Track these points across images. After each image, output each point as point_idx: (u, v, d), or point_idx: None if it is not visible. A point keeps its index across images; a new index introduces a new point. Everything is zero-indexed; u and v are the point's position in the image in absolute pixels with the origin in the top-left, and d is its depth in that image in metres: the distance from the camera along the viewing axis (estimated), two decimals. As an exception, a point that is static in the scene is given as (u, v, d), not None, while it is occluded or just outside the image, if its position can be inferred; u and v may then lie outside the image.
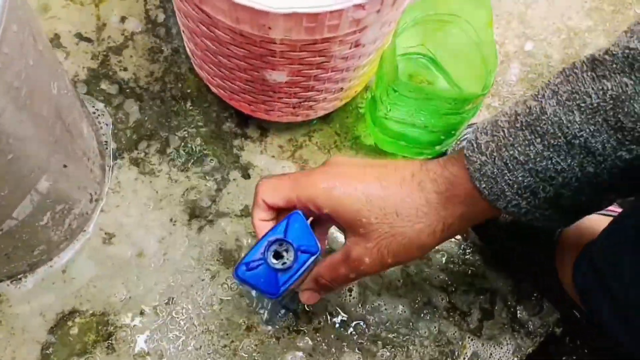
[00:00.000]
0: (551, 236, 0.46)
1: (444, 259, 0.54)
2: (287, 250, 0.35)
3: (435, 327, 0.52)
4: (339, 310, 0.52)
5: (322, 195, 0.34)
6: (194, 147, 0.55)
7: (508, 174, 0.30)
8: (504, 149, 0.30)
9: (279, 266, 0.35)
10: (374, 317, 0.52)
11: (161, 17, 0.59)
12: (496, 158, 0.31)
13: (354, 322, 0.51)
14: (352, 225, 0.34)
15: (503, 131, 0.31)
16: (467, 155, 0.32)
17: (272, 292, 0.36)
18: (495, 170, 0.31)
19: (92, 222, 0.52)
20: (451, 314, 0.53)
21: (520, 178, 0.30)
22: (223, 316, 0.51)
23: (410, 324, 0.52)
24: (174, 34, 0.59)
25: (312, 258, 0.35)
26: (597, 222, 0.44)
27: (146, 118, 0.56)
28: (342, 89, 0.50)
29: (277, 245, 0.35)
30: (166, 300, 0.51)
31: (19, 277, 0.50)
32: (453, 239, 0.55)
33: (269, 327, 0.50)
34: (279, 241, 0.35)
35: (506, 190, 0.31)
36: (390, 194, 0.34)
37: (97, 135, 0.52)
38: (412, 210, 0.33)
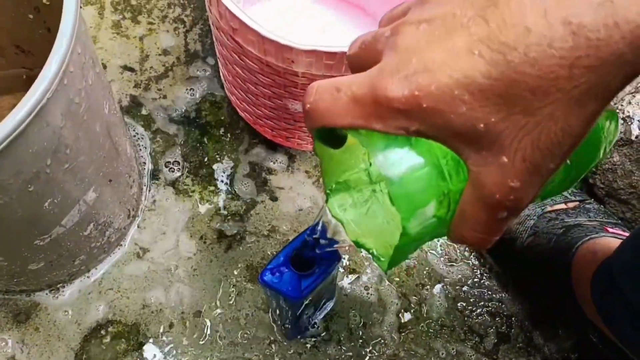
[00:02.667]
0: (567, 258, 0.48)
1: (460, 283, 0.56)
2: (309, 257, 0.38)
3: (453, 349, 0.53)
4: (360, 328, 0.53)
5: (405, 109, 0.21)
6: (225, 170, 0.59)
7: None
8: None
9: (302, 272, 0.38)
10: (392, 336, 0.53)
11: (199, 50, 0.64)
12: None
13: (374, 341, 0.53)
14: (465, 139, 0.21)
15: None
16: None
17: (294, 296, 0.38)
18: None
19: (129, 237, 0.55)
20: (468, 336, 0.54)
21: None
22: (248, 330, 0.53)
23: (428, 345, 0.53)
24: (210, 64, 0.63)
25: (334, 264, 0.38)
26: (610, 242, 0.46)
27: (182, 142, 0.60)
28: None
29: (301, 252, 0.38)
30: (194, 313, 0.53)
31: (58, 286, 0.53)
32: (469, 263, 0.57)
33: (291, 341, 0.52)
34: (302, 248, 0.38)
35: None
36: (509, 64, 0.19)
37: (137, 157, 0.56)
38: (560, 72, 0.19)
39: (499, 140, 0.21)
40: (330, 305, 0.53)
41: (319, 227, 0.37)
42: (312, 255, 0.38)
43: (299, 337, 0.52)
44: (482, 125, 0.20)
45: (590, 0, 0.19)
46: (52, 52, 0.33)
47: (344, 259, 0.56)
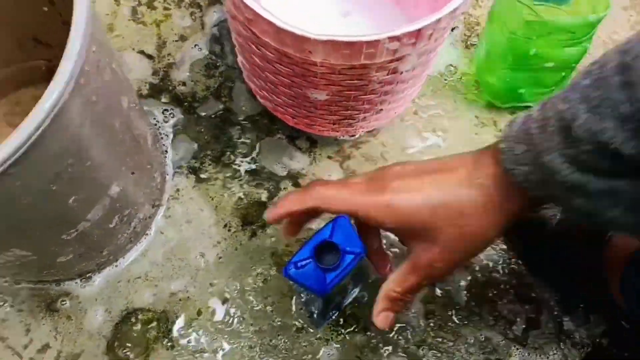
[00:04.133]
0: (599, 244, 0.46)
1: (489, 268, 0.55)
2: (333, 251, 0.39)
3: (481, 335, 0.53)
4: (385, 315, 0.53)
5: (385, 214, 0.36)
6: (247, 157, 0.58)
7: (553, 178, 0.31)
8: (542, 155, 0.31)
9: (326, 265, 0.39)
10: (420, 322, 0.53)
11: (217, 35, 0.63)
12: (535, 166, 0.31)
13: (400, 326, 0.53)
14: (418, 235, 0.36)
15: (535, 139, 0.31)
16: (507, 168, 0.33)
17: (320, 290, 0.39)
18: (539, 176, 0.31)
19: (154, 226, 0.56)
20: (498, 322, 0.53)
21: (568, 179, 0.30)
22: (275, 317, 0.53)
23: (456, 330, 0.53)
24: (228, 51, 0.62)
25: (357, 258, 0.39)
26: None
27: (202, 130, 0.59)
28: (381, 110, 0.52)
29: (324, 246, 0.39)
30: (222, 301, 0.54)
31: (88, 275, 0.54)
32: (497, 248, 0.56)
33: (318, 329, 0.52)
34: (325, 242, 0.39)
35: (557, 193, 0.31)
36: (452, 199, 0.35)
37: (158, 146, 0.56)
38: (477, 209, 0.34)
39: (438, 238, 0.35)
40: (357, 291, 0.53)
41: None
42: (336, 249, 0.40)
43: (325, 323, 0.53)
44: (430, 227, 0.35)
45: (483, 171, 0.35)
46: (64, 52, 0.33)
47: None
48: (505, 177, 0.33)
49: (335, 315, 0.53)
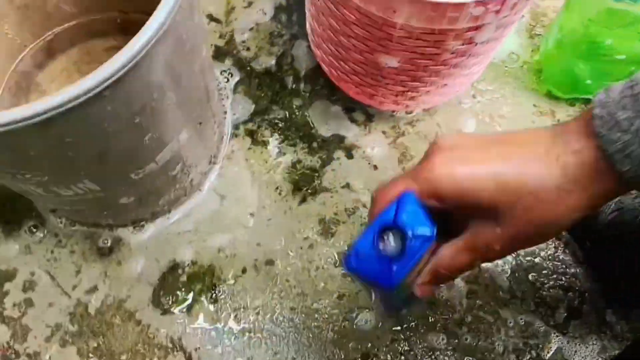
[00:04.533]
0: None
1: (534, 254, 0.55)
2: (400, 237, 0.32)
3: (521, 319, 0.53)
4: (428, 290, 0.54)
5: (446, 184, 0.31)
6: (303, 124, 0.59)
7: None
8: None
9: (391, 254, 0.32)
10: (461, 302, 0.53)
11: (283, 4, 0.64)
12: None
13: (442, 305, 0.53)
14: (482, 212, 0.31)
15: None
16: (603, 134, 0.28)
17: (387, 284, 0.32)
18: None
19: (208, 183, 0.57)
20: (539, 308, 0.53)
21: None
22: (317, 282, 0.54)
23: (497, 313, 0.53)
24: (294, 20, 0.63)
25: (428, 244, 0.32)
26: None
27: (262, 94, 0.61)
28: (446, 85, 0.53)
29: (389, 231, 0.32)
30: (267, 261, 0.54)
31: (141, 224, 0.55)
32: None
33: (390, 318, 0.51)
34: (390, 226, 0.32)
35: None
36: (525, 176, 0.30)
37: (221, 104, 0.58)
38: (552, 191, 0.30)
39: (501, 218, 0.31)
40: None
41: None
42: (402, 233, 0.33)
43: (395, 314, 0.49)
44: (495, 205, 0.30)
45: (569, 149, 0.30)
46: (168, -15, 0.34)
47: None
48: (594, 153, 0.29)
49: (413, 305, 0.47)
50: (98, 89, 0.32)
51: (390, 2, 0.38)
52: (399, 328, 0.52)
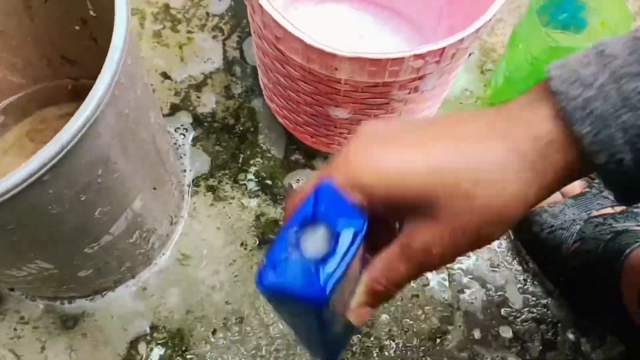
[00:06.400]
0: (616, 265, 0.47)
1: (505, 288, 0.55)
2: (322, 235, 0.25)
3: (497, 356, 0.53)
4: (399, 335, 0.53)
5: (368, 171, 0.25)
6: (264, 176, 0.59)
7: (625, 114, 0.23)
8: (624, 80, 0.23)
9: (315, 256, 0.25)
10: (434, 342, 0.53)
11: (237, 58, 0.65)
12: (610, 92, 0.23)
13: (409, 345, 0.53)
14: (414, 207, 0.25)
15: (618, 60, 0.23)
16: (561, 90, 0.24)
17: (316, 295, 0.24)
18: (607, 108, 0.23)
19: (171, 244, 0.56)
20: (513, 343, 0.53)
21: None
22: (290, 337, 0.53)
23: (472, 351, 0.53)
24: (248, 72, 0.64)
25: (359, 238, 0.25)
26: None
27: (221, 149, 0.60)
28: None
29: (308, 229, 0.25)
30: (237, 320, 0.53)
31: (104, 293, 0.54)
32: (512, 269, 0.56)
33: None
34: (308, 223, 0.25)
35: (617, 136, 0.23)
36: (463, 156, 0.25)
37: (178, 164, 0.57)
38: (496, 172, 0.25)
39: (438, 212, 0.25)
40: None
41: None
42: (325, 229, 0.26)
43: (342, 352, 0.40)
44: (430, 195, 0.25)
45: (512, 120, 0.25)
46: (105, 64, 0.34)
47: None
48: (547, 119, 0.24)
49: (346, 343, 0.40)
50: (37, 175, 0.32)
51: (331, 61, 0.39)
52: (374, 378, 0.51)
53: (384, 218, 0.28)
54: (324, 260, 0.24)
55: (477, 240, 0.26)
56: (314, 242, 0.25)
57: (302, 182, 0.59)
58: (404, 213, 0.27)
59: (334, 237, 0.25)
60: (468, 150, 0.25)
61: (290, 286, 0.24)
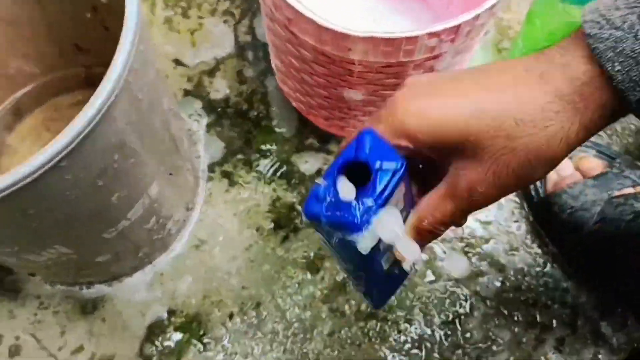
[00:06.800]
0: (638, 246, 0.46)
1: (524, 271, 0.54)
2: (365, 175, 0.28)
3: (516, 340, 0.52)
4: (420, 320, 0.53)
5: (415, 120, 0.27)
6: (279, 160, 0.59)
7: None
8: None
9: (353, 193, 0.28)
10: (454, 326, 0.53)
11: (249, 42, 0.64)
12: (639, 32, 0.24)
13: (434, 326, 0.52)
14: (457, 148, 0.27)
15: None
16: (593, 33, 0.25)
17: (355, 223, 0.27)
18: (637, 47, 0.24)
19: (187, 229, 0.56)
20: (532, 327, 0.53)
21: None
22: (307, 321, 0.53)
23: (491, 334, 0.52)
24: (260, 56, 0.63)
25: (397, 177, 0.28)
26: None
27: (235, 134, 0.60)
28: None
29: (351, 170, 0.28)
30: (253, 305, 0.54)
31: (122, 278, 0.55)
32: (531, 252, 0.55)
33: (353, 328, 0.49)
34: (351, 164, 0.28)
35: None
36: (503, 99, 0.26)
37: (193, 150, 0.57)
38: (536, 113, 0.26)
39: (481, 153, 0.27)
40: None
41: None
42: (366, 170, 0.28)
43: (388, 300, 0.39)
44: (472, 138, 0.26)
45: (552, 62, 0.26)
46: (117, 50, 0.34)
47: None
48: (583, 60, 0.26)
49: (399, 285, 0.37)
50: (54, 161, 0.32)
51: (344, 41, 0.38)
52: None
53: (433, 161, 0.29)
54: (365, 194, 0.27)
55: (520, 179, 0.27)
56: (355, 179, 0.28)
57: (308, 163, 0.59)
58: (451, 155, 0.28)
59: (375, 173, 0.27)
60: (508, 94, 0.26)
61: (334, 217, 0.28)
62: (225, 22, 0.65)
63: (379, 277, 0.32)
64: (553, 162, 0.27)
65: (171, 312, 0.54)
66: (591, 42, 0.25)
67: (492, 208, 0.57)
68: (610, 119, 0.26)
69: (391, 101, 0.28)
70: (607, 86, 0.25)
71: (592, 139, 0.30)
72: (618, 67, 0.24)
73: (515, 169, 0.27)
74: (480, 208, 0.29)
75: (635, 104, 0.25)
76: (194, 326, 0.53)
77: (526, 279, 0.54)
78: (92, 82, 0.57)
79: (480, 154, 0.27)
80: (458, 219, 0.30)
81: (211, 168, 0.59)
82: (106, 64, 0.34)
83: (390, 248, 0.30)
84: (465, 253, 0.55)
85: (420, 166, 0.32)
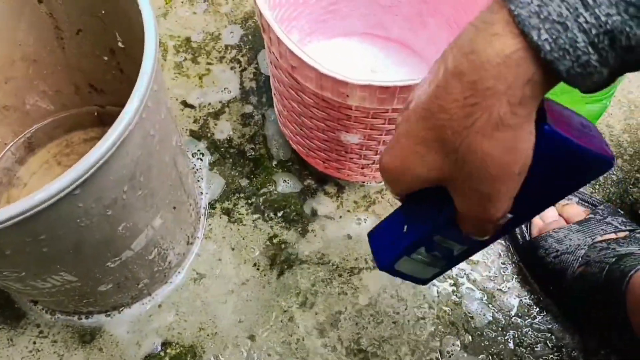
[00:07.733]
0: (620, 287, 0.48)
1: (511, 313, 0.56)
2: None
3: (503, 379, 0.53)
4: (406, 355, 0.54)
5: (399, 185, 0.30)
6: (277, 200, 0.62)
7: (585, 13, 0.21)
8: None
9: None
10: (442, 365, 0.54)
11: (254, 88, 0.68)
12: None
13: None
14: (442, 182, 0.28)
15: None
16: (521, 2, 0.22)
17: (431, 224, 0.32)
18: (563, 10, 0.21)
19: (187, 263, 0.58)
20: (519, 367, 0.54)
21: (603, 16, 0.21)
22: (300, 355, 0.54)
23: (479, 374, 0.54)
24: (264, 101, 0.67)
25: (427, 228, 0.32)
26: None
27: (237, 173, 0.63)
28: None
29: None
30: (248, 337, 0.55)
31: (121, 309, 0.56)
32: (517, 293, 0.57)
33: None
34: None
35: (578, 39, 0.21)
36: (424, 92, 0.27)
37: (196, 186, 0.60)
38: (455, 101, 0.25)
39: (452, 180, 0.27)
40: None
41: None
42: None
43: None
44: (442, 174, 0.27)
45: (462, 52, 0.24)
46: (134, 88, 0.37)
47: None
48: (503, 25, 0.23)
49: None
50: (69, 189, 0.34)
51: (343, 88, 0.42)
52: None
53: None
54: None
55: (497, 178, 0.26)
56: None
57: (306, 203, 0.61)
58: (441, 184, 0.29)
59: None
60: (428, 85, 0.26)
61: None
62: (232, 68, 0.69)
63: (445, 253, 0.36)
64: (507, 146, 0.25)
65: (167, 344, 0.55)
66: (512, 7, 0.22)
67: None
68: (545, 91, 0.24)
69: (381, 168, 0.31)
70: (533, 54, 0.22)
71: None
72: (544, 36, 0.22)
73: (482, 174, 0.25)
74: (496, 219, 0.28)
75: (565, 73, 0.22)
76: (188, 358, 0.54)
77: (512, 320, 0.56)
78: (104, 121, 0.60)
79: (452, 182, 0.27)
80: (492, 225, 0.29)
81: (212, 205, 0.61)
82: (119, 104, 0.37)
83: None
84: (453, 292, 0.57)
85: None
